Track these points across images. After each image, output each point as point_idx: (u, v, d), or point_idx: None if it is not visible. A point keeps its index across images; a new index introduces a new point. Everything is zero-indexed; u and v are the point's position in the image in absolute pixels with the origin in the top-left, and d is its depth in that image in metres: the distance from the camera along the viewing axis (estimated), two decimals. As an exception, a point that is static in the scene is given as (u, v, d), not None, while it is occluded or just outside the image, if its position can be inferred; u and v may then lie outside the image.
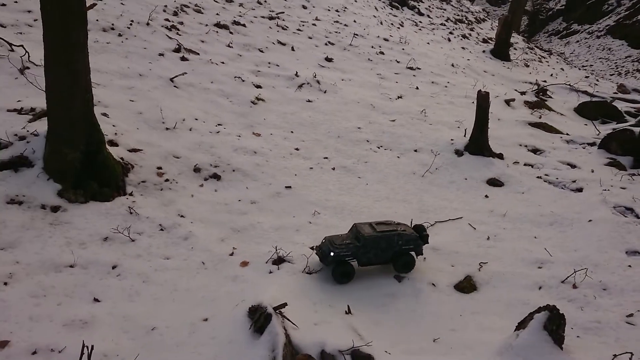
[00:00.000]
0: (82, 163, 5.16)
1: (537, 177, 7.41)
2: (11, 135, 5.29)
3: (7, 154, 5.07)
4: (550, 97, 12.31)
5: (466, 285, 4.80)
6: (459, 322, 4.29)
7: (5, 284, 3.89)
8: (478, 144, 7.81)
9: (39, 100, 6.06)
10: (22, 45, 6.94)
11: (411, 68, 11.76)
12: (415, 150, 7.89)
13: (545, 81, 13.77)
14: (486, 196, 6.80)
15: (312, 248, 5.06)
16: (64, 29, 4.79)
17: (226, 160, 6.53)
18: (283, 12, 12.58)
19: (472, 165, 7.54)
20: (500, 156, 7.86)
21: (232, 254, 4.94)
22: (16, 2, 8.38)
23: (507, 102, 10.80)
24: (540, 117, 10.32)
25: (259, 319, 3.84)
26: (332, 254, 4.60)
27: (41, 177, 5.02)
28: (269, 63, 9.83)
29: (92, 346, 2.96)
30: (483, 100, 7.74)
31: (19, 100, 6.00)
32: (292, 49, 10.90)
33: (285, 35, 11.52)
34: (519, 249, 5.46)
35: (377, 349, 3.71)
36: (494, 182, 7.17)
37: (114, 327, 3.69)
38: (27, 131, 5.40)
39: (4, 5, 8.18)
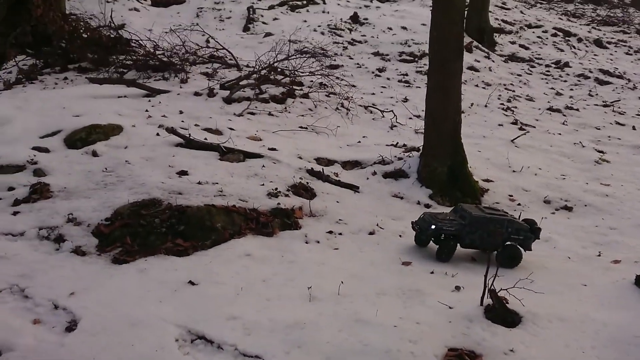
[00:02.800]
0: (448, 175, 5.92)
1: None
2: (392, 156, 6.48)
3: (390, 168, 6.23)
4: None
5: None
6: None
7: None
8: None
9: (406, 141, 7.34)
10: (391, 111, 8.60)
11: None
12: None
13: None
14: None
15: (412, 222, 4.53)
16: (444, 61, 5.89)
17: (576, 197, 6.48)
18: (618, 100, 12.19)
19: None
20: None
21: (599, 255, 4.80)
22: (382, 92, 10.45)
23: None
24: None
25: (650, 282, 3.61)
26: (432, 226, 4.27)
27: (415, 184, 5.94)
28: (609, 137, 9.53)
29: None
30: None
31: (393, 141, 7.35)
32: (634, 128, 10.35)
33: (624, 118, 11.05)
34: None
35: None
36: None
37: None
38: (403, 154, 6.55)
39: (373, 94, 10.25)
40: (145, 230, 3.92)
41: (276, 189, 4.87)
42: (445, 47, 5.80)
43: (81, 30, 10.30)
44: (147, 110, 6.95)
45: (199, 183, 4.67)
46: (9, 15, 10.24)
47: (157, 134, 5.97)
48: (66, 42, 9.95)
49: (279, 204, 4.63)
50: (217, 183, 4.72)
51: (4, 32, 10.08)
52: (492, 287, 3.26)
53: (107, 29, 10.89)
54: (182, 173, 4.86)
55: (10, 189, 4.59)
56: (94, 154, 5.31)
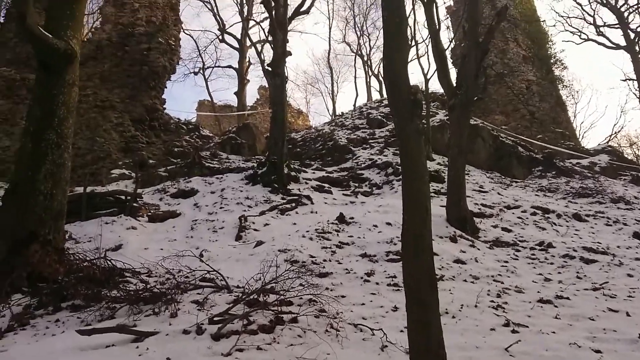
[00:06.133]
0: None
1: None
2: (382, 393, 6.34)
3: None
4: None
5: None
6: None
7: None
8: None
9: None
10: (381, 329, 8.60)
11: None
12: None
13: None
14: None
15: None
16: (421, 294, 6.10)
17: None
18: (607, 282, 12.30)
19: None
20: None
21: None
22: (371, 301, 10.55)
23: None
24: None
25: None
26: None
27: None
28: (604, 329, 9.42)
29: None
30: None
31: (383, 369, 7.24)
32: (628, 314, 10.29)
33: (616, 302, 11.04)
34: None
35: None
36: None
37: None
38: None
39: (362, 304, 10.35)
40: None
41: None
42: (419, 281, 6.07)
43: (75, 267, 10.74)
44: (133, 363, 6.94)
45: None
46: (8, 257, 10.68)
47: (141, 395, 5.89)
48: (60, 281, 10.30)
49: None
50: None
51: (2, 276, 10.43)
52: None
53: (103, 259, 11.36)
54: None
55: None
56: None
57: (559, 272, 13.30)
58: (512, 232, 16.52)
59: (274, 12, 22.05)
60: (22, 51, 25.66)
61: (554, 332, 9.29)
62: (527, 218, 18.06)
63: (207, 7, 45.68)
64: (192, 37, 76.66)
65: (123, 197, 18.26)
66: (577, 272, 13.22)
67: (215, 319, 8.51)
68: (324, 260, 12.95)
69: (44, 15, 12.21)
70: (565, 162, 26.63)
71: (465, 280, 12.17)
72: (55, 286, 10.32)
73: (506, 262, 13.86)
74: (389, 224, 15.74)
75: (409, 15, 29.12)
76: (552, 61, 36.85)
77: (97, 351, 7.30)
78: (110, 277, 10.61)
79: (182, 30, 31.23)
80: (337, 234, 15.15)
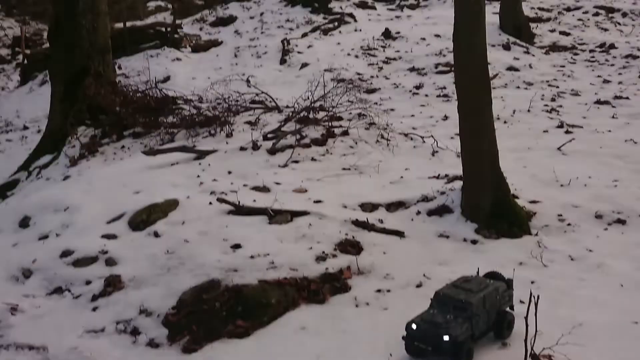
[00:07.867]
0: (492, 208, 5.99)
1: None
2: (435, 191, 6.62)
3: (433, 204, 6.38)
4: None
5: None
6: None
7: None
8: None
9: (448, 170, 7.40)
10: (431, 136, 8.68)
11: None
12: None
13: None
14: None
15: (403, 338, 3.62)
16: (472, 98, 5.99)
17: (629, 207, 6.35)
18: (672, 79, 11.69)
19: None
20: None
21: (656, 281, 4.76)
22: (421, 112, 10.54)
23: None
24: None
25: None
26: (446, 337, 3.38)
27: (460, 219, 6.06)
28: (664, 125, 9.19)
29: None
30: None
31: (435, 172, 7.46)
32: (691, 110, 9.91)
33: (679, 99, 10.60)
34: None
35: None
36: None
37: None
38: (446, 188, 6.67)
39: (412, 115, 10.37)
40: (208, 316, 4.30)
41: (324, 252, 5.14)
42: (472, 84, 5.91)
43: (129, 98, 11.04)
44: (198, 176, 7.39)
45: (252, 257, 5.02)
46: (66, 92, 11.08)
47: (210, 203, 6.37)
48: (118, 112, 10.70)
49: (327, 268, 4.90)
50: (268, 254, 5.05)
51: (63, 110, 10.97)
52: (532, 351, 3.36)
53: (154, 88, 11.59)
54: (236, 246, 5.23)
55: (88, 282, 5.13)
56: (156, 234, 5.77)
57: (620, 73, 12.65)
58: (571, 36, 15.50)
59: None
60: None
61: (609, 131, 9.13)
62: (588, 19, 16.76)
63: None
64: None
65: (163, 29, 18.00)
66: (640, 72, 12.55)
67: (269, 135, 8.82)
68: (371, 77, 12.77)
69: None
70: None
71: (518, 87, 11.83)
72: (114, 117, 10.77)
73: (562, 66, 13.23)
74: (437, 35, 15.01)
75: None
76: None
77: (164, 169, 7.81)
78: (164, 105, 10.89)
79: None
80: (384, 50, 14.68)
